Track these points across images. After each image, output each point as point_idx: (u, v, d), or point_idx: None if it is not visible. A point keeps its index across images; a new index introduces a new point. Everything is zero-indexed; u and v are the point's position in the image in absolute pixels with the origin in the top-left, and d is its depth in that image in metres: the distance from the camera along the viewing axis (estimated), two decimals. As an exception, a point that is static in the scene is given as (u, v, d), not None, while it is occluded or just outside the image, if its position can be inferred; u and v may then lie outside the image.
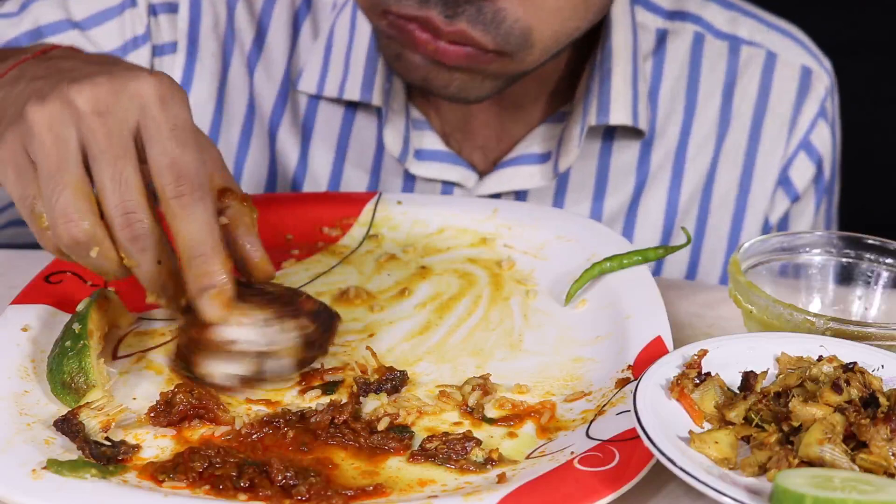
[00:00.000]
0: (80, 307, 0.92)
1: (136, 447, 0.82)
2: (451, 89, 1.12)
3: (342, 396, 0.89)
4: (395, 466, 0.82)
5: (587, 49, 1.26)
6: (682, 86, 1.31)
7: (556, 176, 1.25)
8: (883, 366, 0.87)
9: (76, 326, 0.89)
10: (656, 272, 1.31)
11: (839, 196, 1.43)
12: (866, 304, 1.02)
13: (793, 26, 1.37)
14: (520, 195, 1.28)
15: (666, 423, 0.80)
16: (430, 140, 1.26)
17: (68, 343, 0.88)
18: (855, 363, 0.84)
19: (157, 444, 0.83)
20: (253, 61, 1.29)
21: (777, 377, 0.86)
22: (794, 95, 1.32)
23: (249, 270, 0.90)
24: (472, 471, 0.81)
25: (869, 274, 1.02)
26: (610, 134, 1.29)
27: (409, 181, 1.28)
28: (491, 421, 0.87)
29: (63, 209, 0.81)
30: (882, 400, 0.80)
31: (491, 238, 1.12)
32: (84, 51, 0.93)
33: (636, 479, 0.78)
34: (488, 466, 0.82)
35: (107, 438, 0.81)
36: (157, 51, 1.27)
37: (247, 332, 0.86)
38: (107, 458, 0.80)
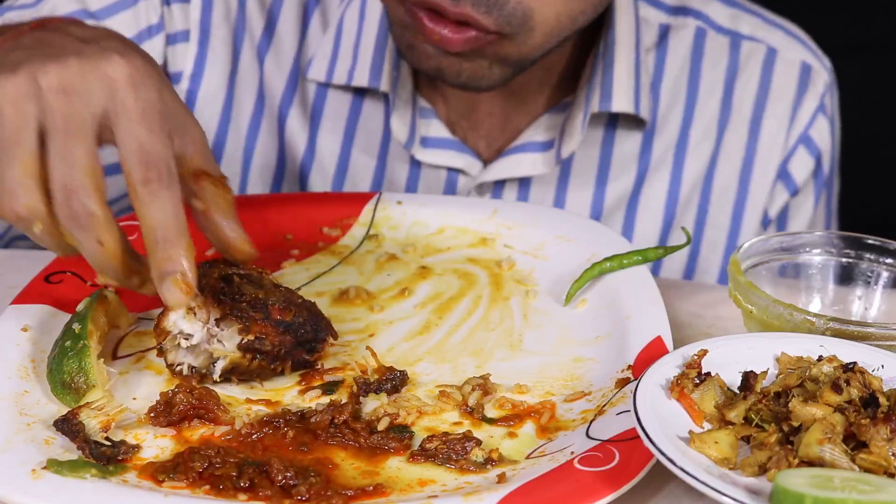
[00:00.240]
0: (80, 307, 0.92)
1: (136, 447, 0.82)
2: (463, 78, 1.14)
3: (342, 396, 0.89)
4: (395, 466, 0.82)
5: (590, 41, 1.29)
6: (684, 79, 1.33)
7: (559, 162, 1.28)
8: (883, 366, 0.87)
9: (76, 326, 0.89)
10: (656, 268, 1.31)
11: (838, 192, 1.44)
12: (866, 304, 1.02)
13: (792, 24, 1.39)
14: (523, 182, 1.30)
15: (666, 423, 0.80)
16: (436, 128, 1.29)
17: (68, 343, 0.88)
18: (855, 363, 0.84)
19: (157, 444, 0.83)
20: (263, 50, 1.31)
21: (777, 377, 0.86)
22: (793, 91, 1.35)
23: (229, 252, 0.90)
24: (472, 471, 0.81)
25: (869, 274, 1.02)
26: (612, 124, 1.31)
27: (415, 168, 1.30)
28: (491, 421, 0.87)
29: (9, 183, 0.81)
30: (882, 400, 0.80)
31: (491, 238, 1.12)
32: (84, 22, 0.91)
33: (636, 479, 0.78)
34: (488, 466, 0.82)
35: (107, 438, 0.81)
36: (170, 39, 1.29)
37: (191, 325, 0.86)
38: (107, 458, 0.80)
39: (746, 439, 0.81)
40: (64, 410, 0.84)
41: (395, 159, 1.31)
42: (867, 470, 0.76)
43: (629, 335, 0.95)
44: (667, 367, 0.85)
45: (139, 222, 0.82)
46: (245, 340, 0.87)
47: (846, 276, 1.03)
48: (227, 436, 0.84)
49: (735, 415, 0.82)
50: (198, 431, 0.84)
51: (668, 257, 1.32)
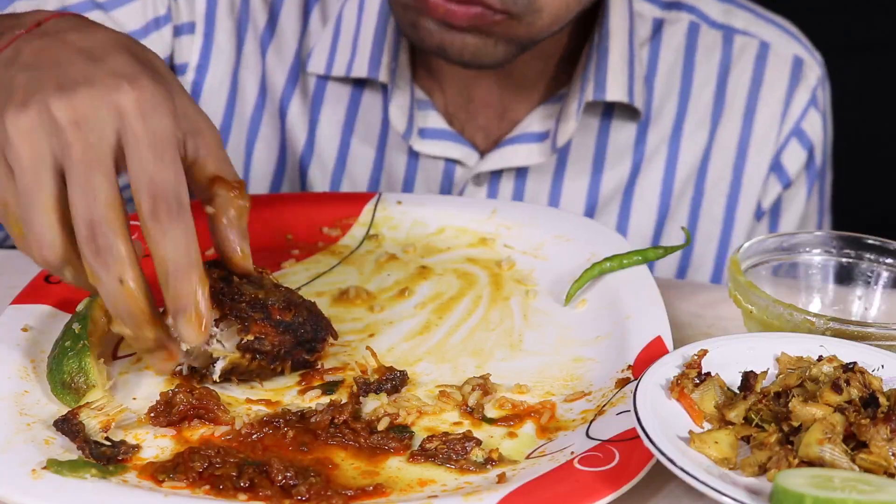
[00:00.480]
0: (80, 307, 0.92)
1: (136, 447, 0.82)
2: (466, 55, 1.14)
3: (342, 396, 0.89)
4: (395, 466, 0.82)
5: (585, 34, 1.30)
6: (678, 72, 1.35)
7: (555, 151, 1.29)
8: (883, 366, 0.87)
9: (76, 326, 0.89)
10: (652, 262, 1.32)
11: (831, 185, 1.45)
12: (866, 304, 1.02)
13: (784, 20, 1.42)
14: (520, 172, 1.32)
15: (666, 423, 0.80)
16: (434, 119, 1.30)
17: (68, 343, 0.88)
18: (855, 363, 0.84)
19: (157, 444, 0.83)
20: (265, 43, 1.32)
21: (777, 377, 0.86)
22: (785, 84, 1.36)
23: (227, 262, 0.90)
24: (472, 471, 0.81)
25: (869, 274, 1.02)
26: (608, 114, 1.32)
27: (413, 159, 1.32)
28: (491, 421, 0.87)
29: (36, 228, 0.81)
30: (882, 400, 0.80)
31: (491, 238, 1.12)
32: (81, 23, 0.89)
33: (636, 479, 0.78)
34: (488, 466, 0.82)
35: (107, 438, 0.81)
36: (177, 31, 1.30)
37: None
38: (107, 458, 0.80)
39: (746, 439, 0.81)
40: (64, 410, 0.84)
41: (394, 150, 1.32)
42: (867, 470, 0.76)
43: (629, 335, 0.95)
44: (667, 367, 0.85)
45: (152, 256, 0.81)
46: (244, 341, 0.87)
47: (846, 276, 1.03)
48: (227, 436, 0.84)
49: (735, 415, 0.82)
50: (198, 431, 0.84)
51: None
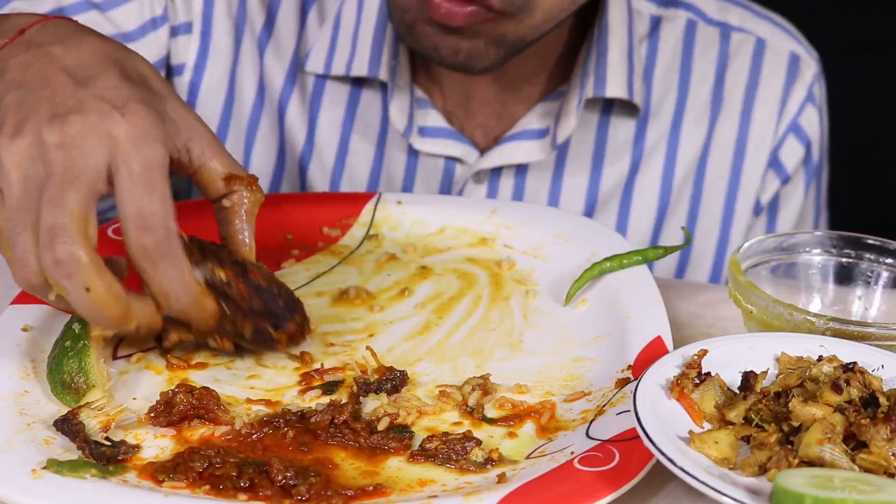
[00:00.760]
0: (80, 307, 0.92)
1: (136, 447, 0.82)
2: (460, 58, 1.15)
3: (342, 396, 0.89)
4: (395, 466, 0.82)
5: (584, 30, 1.31)
6: (676, 68, 1.36)
7: (555, 148, 1.29)
8: (883, 366, 0.87)
9: (76, 326, 0.89)
10: (651, 262, 1.32)
11: (828, 182, 1.45)
12: (866, 304, 1.02)
13: (780, 16, 1.42)
14: (520, 169, 1.32)
15: (666, 423, 0.80)
16: (434, 118, 1.30)
17: (68, 343, 0.88)
18: (855, 363, 0.84)
19: (157, 444, 0.83)
20: (263, 43, 1.33)
21: (777, 377, 0.86)
22: (782, 80, 1.37)
23: (235, 255, 0.91)
24: (472, 471, 0.81)
25: (869, 274, 1.02)
26: (607, 111, 1.33)
27: (413, 157, 1.32)
28: (491, 421, 0.87)
29: (19, 252, 0.80)
30: (882, 400, 0.80)
31: (491, 238, 1.12)
32: (65, 32, 0.88)
33: (636, 479, 0.78)
34: (488, 466, 0.82)
35: (107, 438, 0.81)
36: (174, 31, 1.30)
37: None
38: (107, 458, 0.80)
39: (746, 439, 0.81)
40: (64, 410, 0.84)
41: (393, 149, 1.32)
42: (867, 470, 0.76)
43: (629, 335, 0.95)
44: (667, 367, 0.85)
45: (147, 287, 0.82)
46: (215, 277, 0.86)
47: (846, 276, 1.03)
48: (227, 436, 0.84)
49: (735, 415, 0.82)
50: (198, 431, 0.84)
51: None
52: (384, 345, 0.96)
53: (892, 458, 0.76)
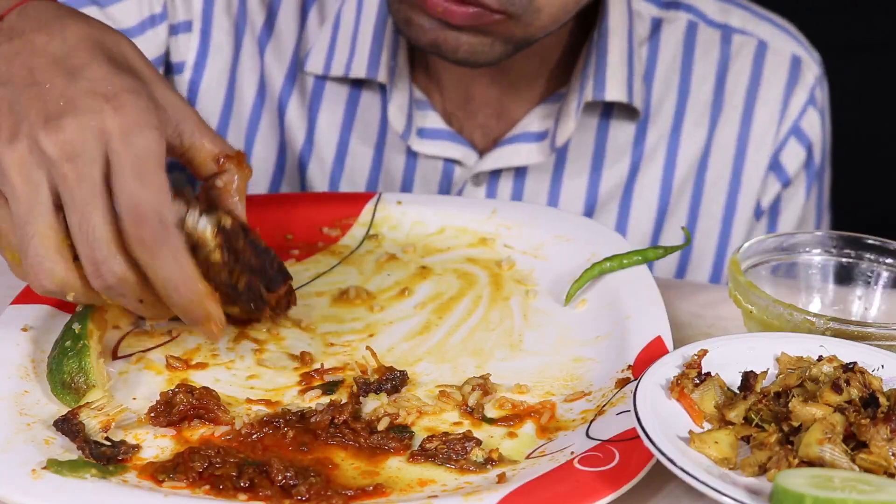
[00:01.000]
0: (79, 307, 0.92)
1: (136, 447, 0.82)
2: (461, 53, 1.14)
3: (342, 396, 0.89)
4: (395, 466, 0.82)
5: (584, 33, 1.30)
6: (676, 70, 1.35)
7: (554, 151, 1.29)
8: (883, 366, 0.87)
9: (76, 326, 0.89)
10: (651, 263, 1.32)
11: (830, 185, 1.45)
12: (866, 304, 1.02)
13: (782, 18, 1.42)
14: (519, 172, 1.32)
15: (666, 423, 0.80)
16: (433, 119, 1.30)
17: (68, 343, 0.88)
18: (855, 363, 0.84)
19: (157, 444, 0.83)
20: (263, 42, 1.33)
21: (777, 377, 0.86)
22: (784, 83, 1.37)
23: None
24: (472, 471, 0.81)
25: (869, 274, 1.02)
26: (606, 113, 1.32)
27: (412, 158, 1.32)
28: (491, 421, 0.87)
29: (33, 258, 0.82)
30: (882, 400, 0.80)
31: (491, 238, 1.12)
32: (47, 13, 0.86)
33: (636, 479, 0.78)
34: (488, 466, 0.82)
35: (107, 438, 0.81)
36: (173, 29, 1.30)
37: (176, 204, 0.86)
38: (107, 458, 0.80)
39: (746, 439, 0.81)
40: (64, 410, 0.84)
41: (392, 150, 1.32)
42: (867, 470, 0.76)
43: (629, 335, 0.95)
44: (667, 367, 0.85)
45: (147, 276, 0.83)
46: (224, 225, 0.87)
47: (846, 276, 1.03)
48: (227, 436, 0.84)
49: (735, 415, 0.82)
50: (198, 431, 0.84)
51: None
52: (384, 345, 0.96)
53: (892, 458, 0.76)
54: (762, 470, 0.78)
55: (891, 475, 0.76)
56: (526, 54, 1.22)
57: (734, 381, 0.85)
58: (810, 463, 0.77)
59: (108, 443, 0.81)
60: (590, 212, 1.33)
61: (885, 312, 1.02)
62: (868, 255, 1.02)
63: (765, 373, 0.85)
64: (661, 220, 1.35)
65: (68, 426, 0.81)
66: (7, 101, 0.82)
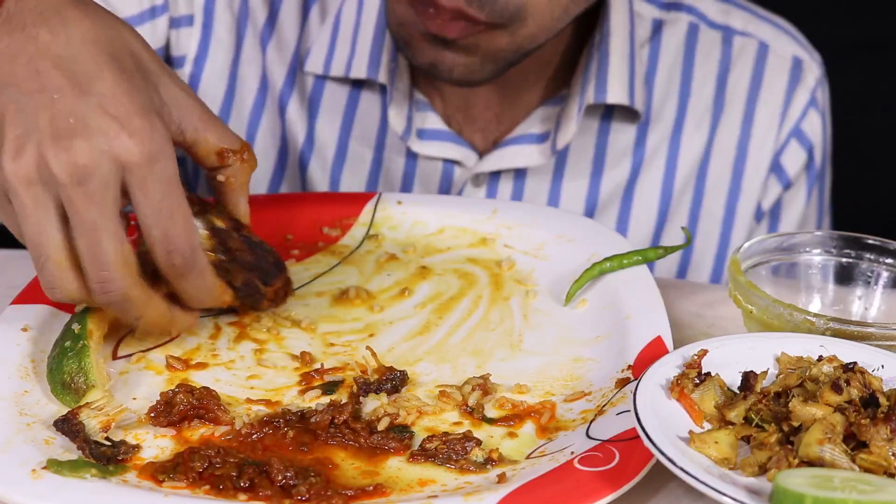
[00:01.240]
0: (79, 307, 0.92)
1: (136, 447, 0.82)
2: (455, 74, 1.15)
3: (342, 396, 0.89)
4: (395, 466, 0.82)
5: (585, 34, 1.30)
6: (677, 72, 1.35)
7: (555, 153, 1.29)
8: (883, 366, 0.87)
9: (76, 326, 0.89)
10: (652, 263, 1.32)
11: (830, 187, 1.45)
12: (866, 304, 1.02)
13: (783, 19, 1.41)
14: (519, 173, 1.32)
15: (666, 423, 0.80)
16: (433, 121, 1.30)
17: (68, 343, 0.88)
18: (855, 363, 0.84)
19: (157, 444, 0.83)
20: (266, 39, 1.33)
21: (777, 377, 0.86)
22: (785, 84, 1.36)
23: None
24: (472, 471, 0.81)
25: (869, 274, 1.02)
26: (607, 116, 1.32)
27: (412, 159, 1.32)
28: (491, 421, 0.87)
29: (48, 276, 0.84)
30: (882, 400, 0.80)
31: (491, 238, 1.12)
32: (48, 3, 0.84)
33: (636, 479, 0.78)
34: (488, 466, 0.82)
35: (107, 438, 0.81)
36: (174, 23, 1.30)
37: None
38: (107, 458, 0.80)
39: (746, 439, 0.81)
40: (64, 410, 0.84)
41: (392, 151, 1.32)
42: (867, 470, 0.76)
43: (629, 335, 0.95)
44: (667, 367, 0.85)
45: (174, 291, 0.88)
46: (213, 225, 0.89)
47: (846, 276, 1.03)
48: (227, 436, 0.84)
49: (735, 415, 0.82)
50: (198, 431, 0.84)
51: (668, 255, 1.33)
52: (384, 345, 0.96)
53: (892, 458, 0.76)
54: (762, 470, 0.78)
55: (891, 475, 0.76)
56: (526, 59, 1.21)
57: (734, 381, 0.85)
58: (810, 463, 0.77)
59: (108, 443, 0.81)
60: (590, 214, 1.33)
61: (885, 312, 1.02)
62: (868, 255, 1.02)
63: (765, 373, 0.85)
64: (662, 223, 1.34)
65: (68, 426, 0.81)
66: (12, 108, 0.82)
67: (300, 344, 0.96)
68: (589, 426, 0.85)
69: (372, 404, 0.87)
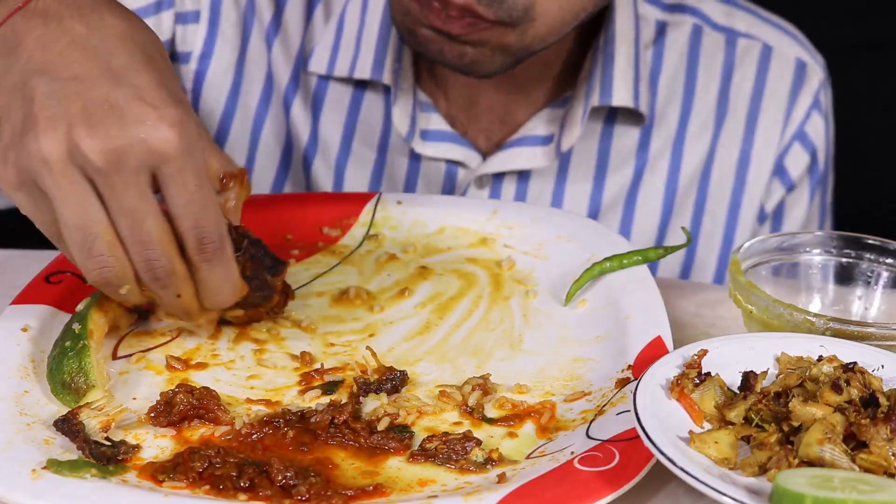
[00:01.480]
0: (79, 307, 0.92)
1: (136, 447, 0.82)
2: (465, 61, 1.14)
3: (342, 396, 0.89)
4: (395, 466, 0.82)
5: (590, 37, 1.30)
6: (681, 74, 1.35)
7: (559, 156, 1.29)
8: (883, 366, 0.87)
9: (76, 326, 0.89)
10: (654, 264, 1.32)
11: (833, 189, 1.44)
12: (866, 304, 1.02)
13: (786, 22, 1.41)
14: (522, 175, 1.32)
15: (666, 423, 0.80)
16: (436, 121, 1.30)
17: (68, 343, 0.88)
18: (855, 363, 0.84)
19: (157, 444, 0.83)
20: (271, 37, 1.33)
21: (777, 377, 0.86)
22: (788, 87, 1.36)
23: None
24: (472, 471, 0.81)
25: (869, 274, 1.02)
26: (611, 118, 1.32)
27: (415, 160, 1.32)
28: (491, 421, 0.87)
29: (97, 254, 0.83)
30: (882, 400, 0.80)
31: (491, 238, 1.12)
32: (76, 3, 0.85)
33: (636, 479, 0.78)
34: (488, 466, 0.82)
35: (107, 438, 0.81)
36: (181, 18, 1.30)
37: None
38: (107, 458, 0.80)
39: (746, 439, 0.81)
40: (64, 410, 0.84)
41: (396, 152, 1.32)
42: (867, 470, 0.76)
43: (629, 335, 0.95)
44: (667, 367, 0.85)
45: (198, 282, 0.87)
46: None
47: (846, 276, 1.03)
48: (227, 436, 0.84)
49: (735, 415, 0.82)
50: (198, 431, 0.84)
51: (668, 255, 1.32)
52: (384, 345, 0.96)
53: (892, 458, 0.76)
54: (762, 470, 0.78)
55: (891, 475, 0.76)
56: (531, 59, 1.21)
57: (734, 381, 0.85)
58: (810, 463, 0.77)
59: (108, 443, 0.81)
60: (594, 217, 1.32)
61: (885, 312, 1.02)
62: (868, 255, 1.02)
63: (765, 373, 0.85)
64: (665, 225, 1.34)
65: (68, 426, 0.81)
66: (42, 92, 0.81)
67: (300, 344, 0.96)
68: (589, 426, 0.85)
69: (372, 404, 0.87)
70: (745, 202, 1.35)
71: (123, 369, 0.92)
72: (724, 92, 1.35)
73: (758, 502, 0.73)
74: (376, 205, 1.14)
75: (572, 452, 0.81)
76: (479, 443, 0.83)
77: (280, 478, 0.78)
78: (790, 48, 1.37)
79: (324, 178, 1.33)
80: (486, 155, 1.31)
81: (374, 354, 0.92)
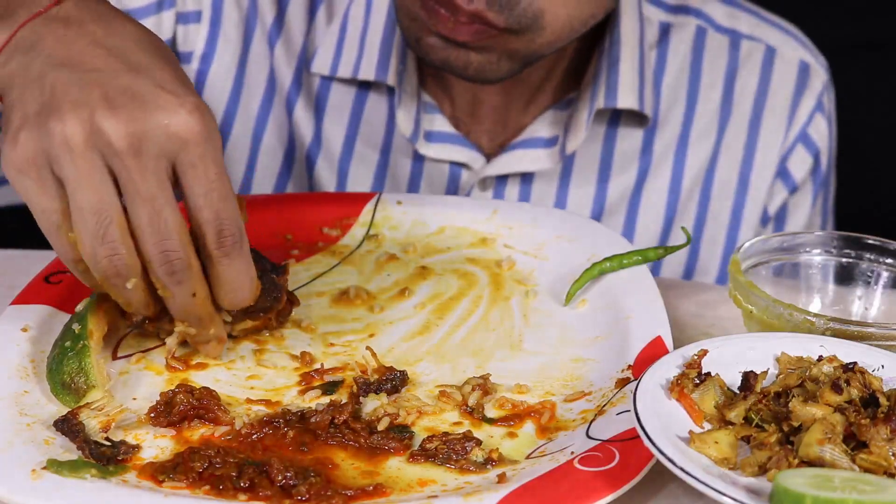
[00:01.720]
0: (79, 307, 0.92)
1: (136, 447, 0.82)
2: (470, 70, 1.14)
3: (342, 396, 0.89)
4: (395, 466, 0.82)
5: (595, 39, 1.29)
6: (685, 76, 1.35)
7: (563, 159, 1.29)
8: (883, 366, 0.87)
9: (76, 326, 0.89)
10: (656, 266, 1.32)
11: (835, 191, 1.44)
12: (866, 304, 1.02)
13: (789, 23, 1.41)
14: (525, 178, 1.31)
15: (666, 423, 0.80)
16: (440, 123, 1.30)
17: (68, 343, 0.88)
18: (855, 363, 0.84)
19: (157, 444, 0.83)
20: (273, 38, 1.32)
21: (777, 377, 0.86)
22: (792, 89, 1.36)
23: None
24: (472, 471, 0.81)
25: (869, 274, 1.02)
26: (615, 120, 1.32)
27: (418, 162, 1.31)
28: (491, 421, 0.87)
29: (110, 242, 0.82)
30: (882, 400, 0.80)
31: (491, 238, 1.12)
32: (102, 7, 0.87)
33: (636, 479, 0.78)
34: (488, 466, 0.82)
35: (107, 438, 0.81)
36: (182, 18, 1.30)
37: None
38: (107, 458, 0.80)
39: (746, 439, 0.81)
40: (64, 410, 0.84)
41: (399, 153, 1.32)
42: (867, 470, 0.76)
43: (629, 335, 0.95)
44: (667, 367, 0.85)
45: (213, 277, 0.86)
46: None
47: (846, 276, 1.03)
48: (227, 436, 0.84)
49: (735, 415, 0.82)
50: (198, 431, 0.84)
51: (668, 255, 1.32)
52: (384, 345, 0.96)
53: (892, 458, 0.76)
54: (762, 470, 0.78)
55: (891, 475, 0.76)
56: (538, 62, 1.21)
57: (734, 381, 0.85)
58: (810, 463, 0.77)
59: (108, 443, 0.81)
60: (597, 219, 1.32)
61: (885, 312, 1.02)
62: (868, 255, 1.02)
63: (765, 373, 0.85)
64: (668, 227, 1.34)
65: (68, 426, 0.81)
66: (64, 80, 0.81)
67: (300, 344, 0.96)
68: (589, 426, 0.85)
69: (372, 404, 0.87)
70: (749, 204, 1.35)
71: (123, 369, 0.92)
72: (727, 94, 1.35)
73: (758, 502, 0.73)
74: (376, 205, 1.14)
75: (572, 452, 0.81)
76: (479, 443, 0.83)
77: (280, 478, 0.78)
78: (794, 50, 1.37)
79: (327, 180, 1.33)
80: (489, 157, 1.31)
81: (374, 354, 0.92)
